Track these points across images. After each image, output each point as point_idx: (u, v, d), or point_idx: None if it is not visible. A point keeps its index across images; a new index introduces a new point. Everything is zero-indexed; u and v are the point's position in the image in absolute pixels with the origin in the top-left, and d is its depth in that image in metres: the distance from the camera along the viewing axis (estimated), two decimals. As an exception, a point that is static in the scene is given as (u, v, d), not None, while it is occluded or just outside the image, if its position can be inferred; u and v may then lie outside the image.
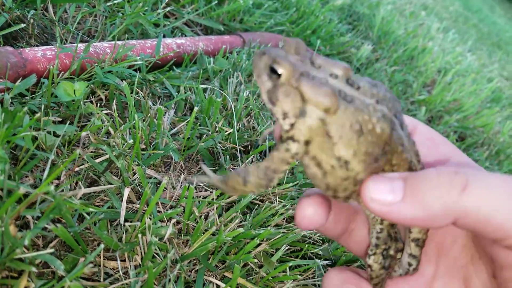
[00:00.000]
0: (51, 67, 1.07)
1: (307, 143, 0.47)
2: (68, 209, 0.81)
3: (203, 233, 0.92)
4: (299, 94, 0.47)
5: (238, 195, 0.52)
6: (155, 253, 0.86)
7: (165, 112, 1.20)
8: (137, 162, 1.02)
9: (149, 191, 0.89)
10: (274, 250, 1.02)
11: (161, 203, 0.99)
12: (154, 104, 1.23)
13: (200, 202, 1.01)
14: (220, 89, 1.41)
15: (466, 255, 0.54)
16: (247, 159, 1.21)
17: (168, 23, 1.61)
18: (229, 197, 1.04)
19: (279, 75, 0.47)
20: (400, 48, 3.05)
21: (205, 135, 1.21)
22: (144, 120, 1.14)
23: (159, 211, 0.98)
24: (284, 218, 1.09)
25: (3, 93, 0.98)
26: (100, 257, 0.82)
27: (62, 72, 1.15)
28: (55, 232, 0.76)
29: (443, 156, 0.54)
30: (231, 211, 1.01)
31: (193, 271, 0.91)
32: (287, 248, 1.02)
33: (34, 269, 0.72)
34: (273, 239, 1.00)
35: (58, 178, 0.92)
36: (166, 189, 1.03)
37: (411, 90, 2.68)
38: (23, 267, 0.73)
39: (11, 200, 0.73)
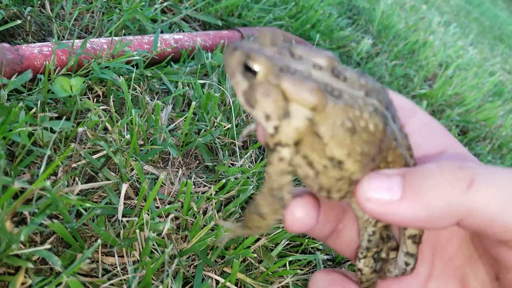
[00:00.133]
0: (47, 63, 1.06)
1: (296, 143, 0.43)
2: (65, 205, 0.81)
3: (202, 228, 0.92)
4: (280, 93, 0.41)
5: (267, 230, 0.48)
6: (153, 248, 0.86)
7: (163, 108, 1.19)
8: (135, 158, 1.02)
9: (147, 186, 0.88)
10: (273, 245, 1.01)
11: (159, 199, 0.99)
12: (151, 100, 1.22)
13: (199, 197, 1.01)
14: (219, 84, 1.40)
15: (463, 254, 0.51)
16: (246, 154, 1.20)
17: (166, 18, 1.60)
18: (227, 192, 1.03)
19: (255, 73, 0.41)
20: (400, 42, 3.03)
21: (203, 130, 1.20)
22: (141, 116, 1.13)
23: (157, 207, 0.97)
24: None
25: (-1, 90, 0.97)
26: (98, 253, 0.82)
27: (59, 68, 1.14)
28: (51, 228, 0.76)
29: (439, 147, 0.51)
30: (230, 206, 1.01)
31: (191, 267, 0.90)
32: (286, 242, 1.01)
33: (31, 265, 0.71)
34: (272, 234, 0.99)
35: (56, 174, 0.91)
36: (165, 184, 1.03)
37: (412, 84, 2.67)
38: (19, 263, 0.72)
39: (6, 196, 0.73)
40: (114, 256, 0.83)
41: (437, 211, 0.40)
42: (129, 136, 1.02)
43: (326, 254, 1.08)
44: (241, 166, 1.15)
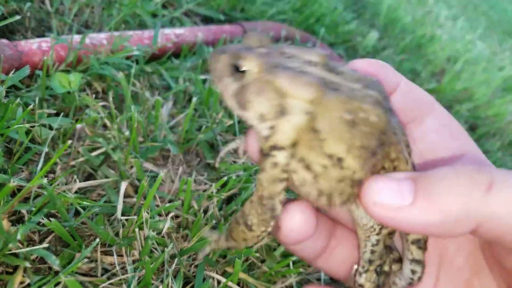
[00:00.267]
0: (46, 58, 1.04)
1: (294, 145, 0.40)
2: (63, 203, 0.79)
3: (203, 227, 0.90)
4: (274, 89, 0.39)
5: (252, 242, 0.45)
6: (153, 247, 0.84)
7: (163, 104, 1.17)
8: (134, 155, 1.00)
9: (147, 184, 0.86)
10: (276, 244, 0.99)
11: (159, 197, 0.97)
12: (152, 96, 1.20)
13: (200, 195, 0.99)
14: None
15: (471, 267, 0.47)
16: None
17: (167, 13, 1.58)
18: (229, 190, 1.01)
19: (245, 73, 0.40)
20: (407, 36, 2.97)
21: (204, 127, 1.18)
22: (141, 112, 1.11)
23: (157, 205, 0.95)
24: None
25: (-4, 86, 0.96)
26: (97, 252, 0.80)
27: (58, 64, 1.13)
28: (49, 226, 0.74)
29: (457, 151, 0.47)
30: (231, 204, 0.99)
31: (192, 266, 0.88)
32: (290, 241, 0.99)
33: (28, 264, 0.70)
34: (275, 233, 0.97)
35: (54, 172, 0.90)
36: (165, 182, 1.01)
37: (419, 79, 2.61)
38: (17, 262, 0.71)
39: (3, 193, 0.72)
40: (113, 255, 0.81)
41: (453, 217, 0.36)
42: (128, 133, 1.00)
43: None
44: (243, 164, 1.13)
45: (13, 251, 0.71)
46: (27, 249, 0.72)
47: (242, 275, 0.89)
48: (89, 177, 0.95)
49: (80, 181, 0.90)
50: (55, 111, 1.00)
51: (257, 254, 0.93)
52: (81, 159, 0.94)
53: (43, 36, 1.27)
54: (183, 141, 1.13)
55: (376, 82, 0.42)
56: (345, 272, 0.51)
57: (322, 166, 0.41)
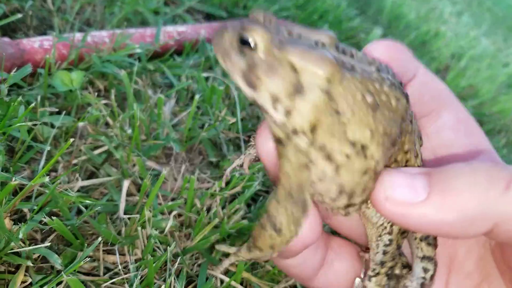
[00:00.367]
0: (48, 57, 1.04)
1: (313, 129, 0.36)
2: (65, 201, 0.79)
3: (206, 226, 0.89)
4: (288, 65, 0.35)
5: (280, 249, 0.40)
6: (155, 246, 0.83)
7: (166, 102, 1.16)
8: (137, 153, 0.99)
9: (149, 182, 0.85)
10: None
11: (161, 195, 0.96)
12: (154, 94, 1.19)
13: (203, 193, 0.98)
14: (223, 78, 1.36)
15: (482, 271, 0.45)
16: (251, 149, 1.17)
17: (169, 10, 1.57)
18: (232, 188, 1.00)
19: (254, 48, 0.35)
20: (411, 33, 2.94)
21: (207, 124, 1.17)
22: (143, 110, 1.10)
23: (159, 204, 0.95)
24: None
25: (-2, 84, 0.95)
26: (99, 251, 0.80)
27: (60, 62, 1.12)
28: (51, 225, 0.74)
29: (473, 149, 0.44)
30: (234, 202, 0.98)
31: (195, 265, 0.88)
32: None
33: (30, 263, 0.70)
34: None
35: (56, 170, 0.89)
36: (168, 180, 1.00)
37: (423, 76, 2.59)
38: (19, 261, 0.71)
39: (5, 192, 0.71)
40: (115, 254, 0.81)
41: (470, 215, 0.34)
42: (131, 131, 0.99)
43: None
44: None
45: (15, 250, 0.70)
46: (29, 247, 0.71)
47: (245, 274, 0.88)
48: (91, 175, 0.95)
49: (82, 180, 0.89)
50: (57, 110, 0.99)
51: (261, 253, 0.92)
52: (83, 157, 0.93)
53: (44, 34, 1.27)
54: (185, 139, 1.12)
55: (387, 66, 0.39)
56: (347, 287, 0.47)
57: (345, 155, 0.36)
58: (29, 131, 0.90)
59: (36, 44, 1.11)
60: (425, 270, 0.45)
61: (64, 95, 1.05)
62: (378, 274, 0.44)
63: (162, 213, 0.91)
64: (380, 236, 0.43)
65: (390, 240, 0.43)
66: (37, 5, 1.30)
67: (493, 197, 0.33)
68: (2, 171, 0.79)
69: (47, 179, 0.73)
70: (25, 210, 0.79)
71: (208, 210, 0.97)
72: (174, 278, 0.79)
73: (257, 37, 0.35)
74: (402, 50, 0.42)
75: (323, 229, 0.44)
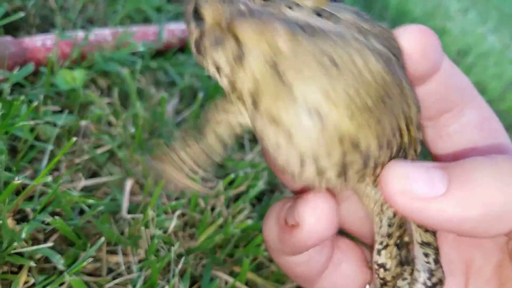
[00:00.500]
0: (50, 55, 1.03)
1: (254, 95, 0.35)
2: (67, 201, 0.78)
3: (210, 225, 0.88)
4: (233, 38, 0.36)
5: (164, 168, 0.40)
6: (159, 246, 0.82)
7: (169, 100, 1.15)
8: (140, 152, 0.98)
9: (152, 181, 0.84)
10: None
11: (165, 195, 0.95)
12: (157, 92, 1.18)
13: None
14: (227, 75, 1.35)
15: (500, 277, 0.41)
16: (255, 148, 1.15)
17: (172, 8, 1.56)
18: (236, 188, 0.99)
19: (203, 20, 0.38)
20: (417, 29, 2.91)
21: (211, 123, 1.16)
22: (146, 109, 1.09)
23: (163, 203, 0.94)
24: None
25: (0, 83, 0.95)
26: (102, 252, 0.79)
27: (63, 61, 1.11)
28: (53, 225, 0.73)
29: (497, 152, 0.41)
30: (239, 202, 0.97)
31: (199, 266, 0.86)
32: (299, 240, 0.96)
33: (33, 264, 0.69)
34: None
35: (58, 170, 0.89)
36: (171, 180, 0.99)
37: (429, 73, 2.56)
38: (22, 261, 0.70)
39: (7, 192, 0.70)
40: (118, 254, 0.80)
41: (496, 211, 0.31)
42: (134, 130, 0.98)
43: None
44: (250, 161, 1.11)
45: (18, 250, 0.70)
46: (32, 248, 0.71)
47: (250, 275, 0.87)
48: (94, 175, 0.94)
49: (85, 179, 0.88)
50: (59, 108, 0.99)
51: (266, 253, 0.90)
52: (86, 156, 0.93)
53: (47, 32, 1.26)
54: (189, 138, 1.11)
55: (390, 36, 0.37)
56: None
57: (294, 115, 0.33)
58: (32, 130, 0.90)
59: (38, 42, 1.11)
60: (426, 255, 0.42)
61: (66, 93, 1.04)
62: (387, 246, 0.40)
63: (166, 213, 0.90)
64: (382, 211, 0.40)
65: (394, 213, 0.39)
66: (40, 4, 1.30)
67: None
68: (4, 170, 0.78)
69: (49, 178, 0.73)
70: (28, 209, 0.78)
71: (212, 209, 0.96)
72: (178, 279, 0.78)
73: (205, 11, 0.37)
74: (432, 37, 0.39)
75: None
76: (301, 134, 0.33)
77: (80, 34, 1.16)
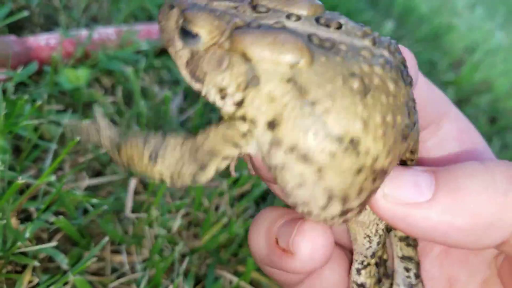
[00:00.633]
0: (54, 54, 1.03)
1: (271, 125, 0.30)
2: (71, 201, 0.78)
3: (214, 225, 0.87)
4: (239, 55, 0.30)
5: (140, 171, 0.35)
6: (163, 246, 0.82)
7: (173, 99, 1.15)
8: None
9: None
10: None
11: (169, 194, 0.95)
12: (161, 91, 1.18)
13: (211, 192, 0.96)
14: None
15: None
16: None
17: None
18: (241, 187, 0.98)
19: (197, 37, 0.31)
20: (424, 26, 2.87)
21: (214, 121, 1.15)
22: (150, 108, 1.09)
23: (167, 202, 0.93)
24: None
25: (5, 82, 0.95)
26: (106, 251, 0.79)
27: (66, 59, 1.11)
28: (57, 224, 0.73)
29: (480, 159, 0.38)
30: (243, 201, 0.96)
31: (203, 265, 0.86)
32: (304, 240, 0.95)
33: (37, 263, 0.69)
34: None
35: (62, 169, 0.89)
36: (175, 179, 0.99)
37: (436, 70, 2.52)
38: (26, 261, 0.70)
39: (11, 191, 0.70)
40: (122, 254, 0.80)
41: (486, 221, 0.28)
42: (137, 128, 0.98)
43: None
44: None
45: (22, 250, 0.70)
46: (36, 247, 0.71)
47: (255, 275, 0.86)
48: (98, 174, 0.94)
49: (89, 178, 0.88)
50: (63, 107, 0.98)
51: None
52: (89, 155, 0.92)
53: (51, 31, 1.26)
54: (193, 137, 1.11)
55: (389, 39, 0.33)
56: None
57: (328, 154, 0.29)
58: (36, 129, 0.90)
59: (42, 41, 1.11)
60: (407, 269, 0.40)
61: (70, 92, 1.04)
62: (368, 265, 0.38)
63: (170, 212, 0.90)
64: (374, 232, 0.37)
65: (383, 230, 0.37)
66: (44, 2, 1.30)
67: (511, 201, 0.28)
68: (8, 169, 0.78)
69: (53, 177, 0.72)
70: (32, 209, 0.78)
71: (216, 209, 0.95)
72: (182, 278, 0.78)
73: (200, 29, 0.30)
74: (411, 56, 0.38)
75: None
76: (335, 170, 0.29)
77: (84, 32, 1.16)
